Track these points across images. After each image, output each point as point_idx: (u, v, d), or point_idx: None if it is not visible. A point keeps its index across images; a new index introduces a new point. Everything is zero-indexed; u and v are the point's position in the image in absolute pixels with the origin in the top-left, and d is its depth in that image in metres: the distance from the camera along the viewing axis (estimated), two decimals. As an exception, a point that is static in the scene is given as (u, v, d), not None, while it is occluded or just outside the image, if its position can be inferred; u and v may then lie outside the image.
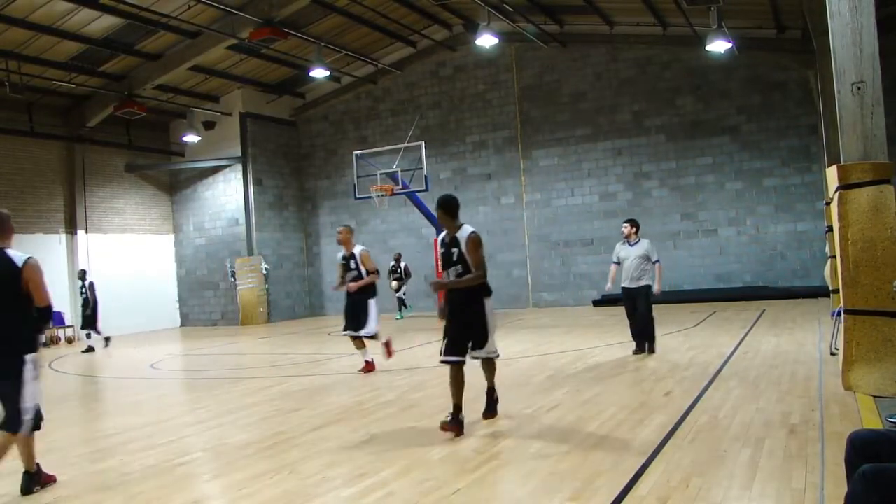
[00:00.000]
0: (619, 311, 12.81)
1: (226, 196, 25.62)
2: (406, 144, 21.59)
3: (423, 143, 21.28)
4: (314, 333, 19.88)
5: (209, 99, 25.17)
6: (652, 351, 11.18)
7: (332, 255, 26.26)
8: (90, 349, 18.64)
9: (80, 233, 23.47)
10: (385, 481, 5.40)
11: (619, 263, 11.35)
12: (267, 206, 25.66)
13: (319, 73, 21.86)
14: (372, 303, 11.05)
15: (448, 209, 7.09)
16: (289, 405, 9.06)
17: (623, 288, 11.29)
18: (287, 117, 26.87)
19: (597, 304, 21.39)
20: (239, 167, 25.29)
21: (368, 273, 10.92)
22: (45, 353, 18.81)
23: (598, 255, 21.47)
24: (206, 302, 26.05)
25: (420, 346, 14.89)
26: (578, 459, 5.68)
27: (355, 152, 22.34)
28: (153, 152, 25.98)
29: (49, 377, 14.36)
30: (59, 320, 22.45)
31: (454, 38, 23.93)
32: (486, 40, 20.32)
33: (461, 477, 5.40)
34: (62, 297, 22.40)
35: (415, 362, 12.40)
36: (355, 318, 11.03)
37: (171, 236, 26.65)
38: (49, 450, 7.17)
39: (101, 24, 19.18)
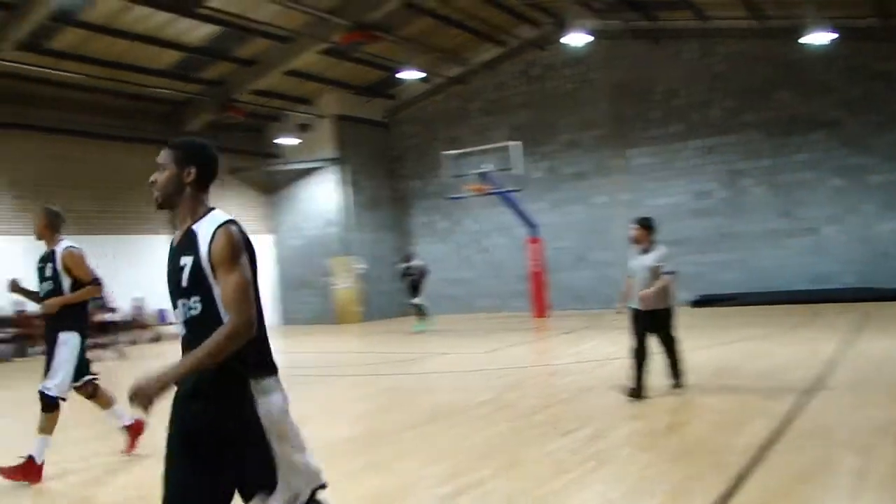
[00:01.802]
0: (715, 313, 12.46)
1: (322, 197, 26.05)
2: (497, 145, 21.58)
3: (519, 143, 21.20)
4: (408, 333, 20.05)
5: (303, 102, 25.65)
6: (679, 385, 8.43)
7: (428, 255, 26.45)
8: None
9: (182, 233, 24.17)
10: (480, 481, 5.41)
11: (632, 277, 8.60)
12: (362, 207, 26.00)
13: (410, 74, 22.05)
14: (67, 339, 6.54)
15: None
16: (385, 403, 9.18)
17: (631, 309, 8.41)
18: (379, 119, 27.17)
19: (696, 304, 20.90)
20: (334, 169, 25.68)
21: (75, 285, 6.58)
22: (150, 350, 19.53)
23: (692, 256, 20.97)
24: (303, 301, 26.54)
25: (514, 345, 14.86)
26: (674, 463, 5.59)
27: (446, 153, 22.45)
28: (250, 155, 26.62)
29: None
30: (165, 317, 23.30)
31: (543, 36, 23.78)
32: (576, 38, 20.13)
33: (556, 478, 5.38)
34: (167, 296, 23.27)
35: (510, 362, 12.39)
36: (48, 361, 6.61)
37: (270, 236, 27.26)
38: (150, 442, 7.45)
39: (199, 32, 19.83)
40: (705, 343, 12.83)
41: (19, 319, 19.91)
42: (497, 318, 22.11)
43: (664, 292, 8.21)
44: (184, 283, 3.09)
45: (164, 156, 3.23)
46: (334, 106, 25.55)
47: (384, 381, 11.26)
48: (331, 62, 23.10)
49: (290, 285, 26.91)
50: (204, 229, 3.09)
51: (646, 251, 8.35)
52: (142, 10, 18.06)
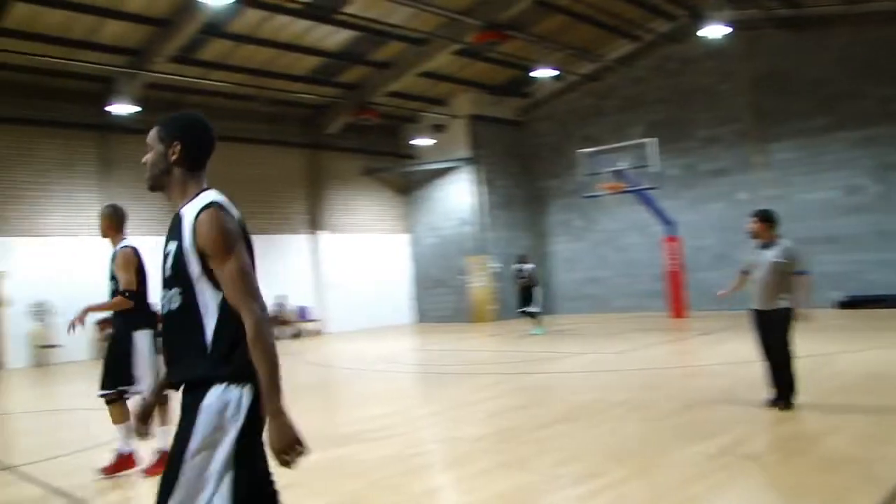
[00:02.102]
0: (865, 315, 11.80)
1: (456, 197, 26.29)
2: (634, 142, 21.21)
3: (655, 139, 20.78)
4: (545, 331, 19.97)
5: (438, 103, 25.96)
6: (788, 406, 7.47)
7: (562, 254, 26.35)
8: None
9: (323, 233, 25.10)
10: (616, 482, 5.34)
11: (747, 273, 7.90)
12: (496, 206, 26.08)
13: (543, 73, 21.97)
14: (138, 338, 6.51)
15: None
16: (519, 401, 9.19)
17: (751, 311, 7.83)
18: (513, 118, 27.18)
19: (844, 306, 19.88)
20: (468, 168, 25.88)
21: (116, 292, 6.55)
22: (292, 345, 20.22)
23: (843, 255, 19.94)
24: (438, 299, 26.87)
25: (650, 346, 14.59)
26: (821, 473, 5.34)
27: (581, 151, 22.23)
28: (387, 156, 27.19)
29: (295, 367, 15.46)
30: (305, 314, 24.17)
31: (679, 29, 23.13)
32: (714, 30, 19.52)
33: (695, 483, 5.23)
34: (306, 293, 24.27)
35: (646, 363, 12.18)
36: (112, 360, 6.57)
37: (406, 236, 27.75)
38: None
39: (336, 38, 20.42)
40: (856, 347, 12.22)
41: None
42: (633, 318, 21.73)
43: (780, 290, 7.51)
44: (167, 271, 2.79)
45: (151, 134, 2.94)
46: (468, 106, 25.73)
47: (518, 380, 11.27)
48: (464, 62, 23.29)
49: (425, 284, 27.29)
50: (189, 213, 2.78)
51: (766, 246, 7.65)
52: (282, 19, 18.80)
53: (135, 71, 19.00)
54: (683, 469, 5.59)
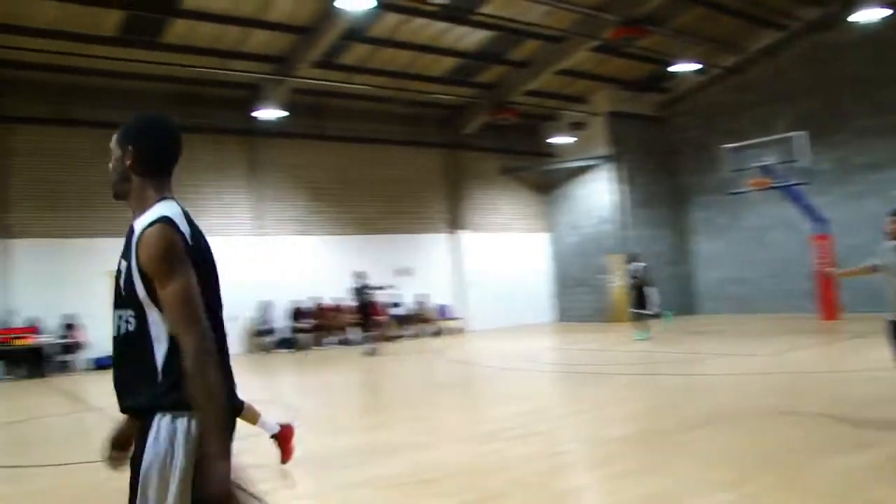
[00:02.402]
0: None
1: (596, 195, 26.00)
2: (781, 135, 20.38)
3: (804, 132, 19.88)
4: (687, 332, 19.54)
5: (576, 100, 25.75)
6: None
7: (704, 252, 25.63)
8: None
9: (463, 232, 25.36)
10: (762, 490, 5.16)
11: (876, 270, 6.90)
12: (637, 204, 25.63)
13: (683, 67, 21.41)
14: None
15: None
16: (661, 403, 9.03)
17: (888, 322, 6.75)
18: (653, 114, 26.64)
19: None
20: (608, 166, 25.55)
21: None
22: (432, 343, 20.55)
23: None
24: (578, 298, 26.66)
25: (799, 349, 14.04)
26: None
27: (725, 146, 21.54)
28: (525, 155, 27.19)
29: (436, 365, 15.75)
30: (444, 312, 24.49)
31: (829, 15, 21.96)
32: (869, 14, 18.49)
33: (851, 496, 5.00)
34: (447, 292, 24.65)
35: (795, 366, 11.73)
36: None
37: (546, 234, 27.68)
38: (439, 429, 7.91)
39: (473, 38, 20.58)
40: None
41: (318, 312, 21.78)
42: (780, 320, 20.89)
43: None
44: (121, 292, 2.52)
45: (113, 138, 2.66)
46: (606, 103, 25.42)
47: (660, 381, 11.07)
48: (601, 59, 23.01)
49: (565, 283, 27.14)
50: (138, 228, 2.51)
51: None
52: (420, 22, 19.13)
53: (280, 77, 19.77)
54: (836, 480, 5.34)
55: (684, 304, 25.99)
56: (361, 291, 18.37)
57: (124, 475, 2.50)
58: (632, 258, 19.19)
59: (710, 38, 21.74)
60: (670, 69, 22.53)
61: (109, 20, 16.82)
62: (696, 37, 21.32)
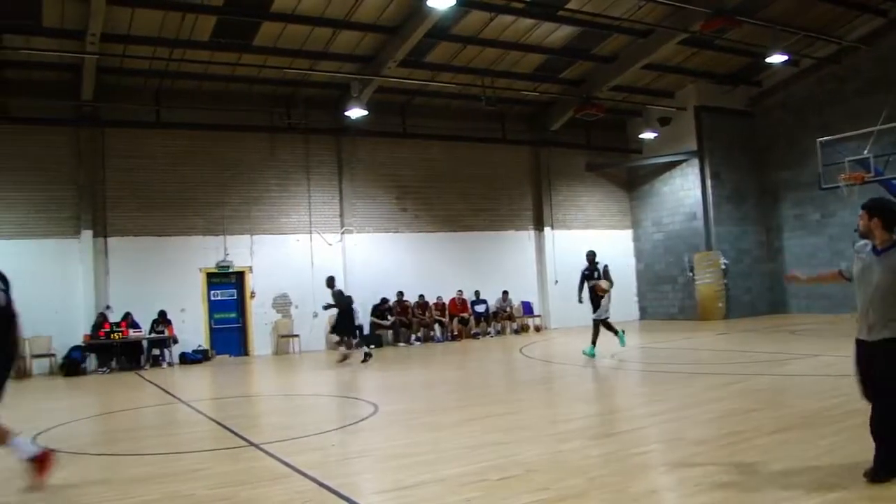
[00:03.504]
0: None
1: (683, 191, 25.56)
2: (878, 127, 19.60)
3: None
4: (775, 331, 19.02)
5: (663, 95, 25.34)
6: (878, 477, 5.17)
7: (795, 249, 24.88)
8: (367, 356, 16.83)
9: (547, 229, 25.25)
10: (853, 499, 4.99)
11: (848, 279, 5.88)
12: (724, 200, 25.07)
13: (776, 58, 20.79)
14: None
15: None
16: (748, 404, 8.80)
17: (856, 341, 5.51)
18: (743, 108, 25.96)
19: None
20: (695, 161, 25.07)
21: None
22: (515, 340, 20.52)
23: None
24: (663, 296, 26.27)
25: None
26: None
27: (819, 139, 20.83)
28: (611, 151, 26.90)
29: (519, 362, 15.72)
30: (528, 310, 24.45)
31: (936, -1, 21.04)
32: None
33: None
34: (531, 289, 24.63)
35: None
36: None
37: (630, 231, 27.34)
38: (520, 427, 7.91)
39: (559, 34, 20.45)
40: None
41: (402, 309, 21.99)
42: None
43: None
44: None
45: None
46: (694, 97, 24.94)
47: (747, 382, 10.79)
48: (690, 52, 22.57)
49: (650, 280, 26.78)
50: None
51: (881, 251, 5.35)
52: (506, 19, 19.09)
53: (368, 77, 20.00)
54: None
55: (773, 302, 25.35)
56: (339, 297, 17.16)
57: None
58: (590, 256, 16.91)
59: (804, 28, 20.99)
60: (763, 61, 21.89)
61: (205, 25, 17.33)
62: (790, 26, 20.61)
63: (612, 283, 16.16)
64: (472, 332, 22.66)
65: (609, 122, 25.96)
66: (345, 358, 16.59)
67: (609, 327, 15.64)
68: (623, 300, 26.61)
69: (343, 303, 17.07)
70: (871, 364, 5.32)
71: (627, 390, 11.36)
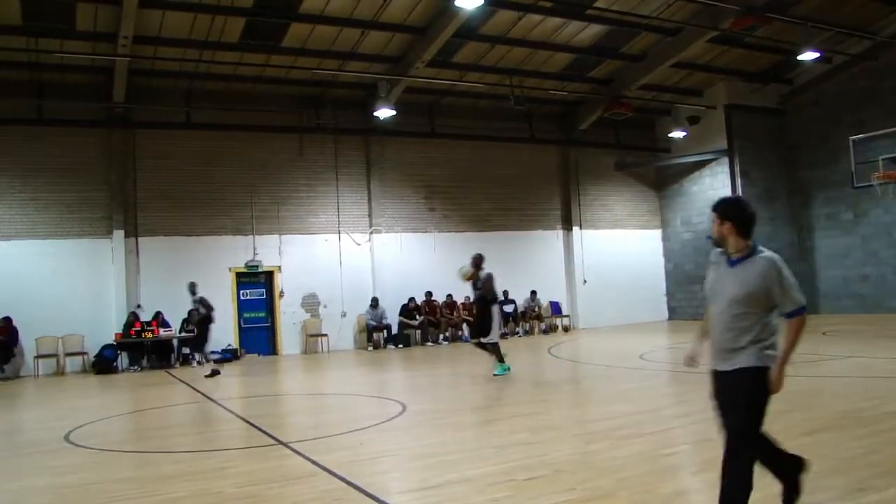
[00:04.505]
0: None
1: (712, 190, 25.31)
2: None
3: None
4: (806, 332, 18.63)
5: (692, 94, 25.14)
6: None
7: (827, 249, 24.59)
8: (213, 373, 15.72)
9: (576, 228, 25.17)
10: (887, 500, 4.94)
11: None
12: (755, 199, 24.68)
13: (808, 55, 20.52)
14: None
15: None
16: (779, 405, 8.61)
17: (711, 371, 4.68)
18: (773, 106, 25.69)
19: None
20: (725, 160, 24.85)
21: None
22: (544, 340, 20.48)
23: None
24: (693, 296, 26.05)
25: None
26: None
27: (852, 138, 20.56)
28: (640, 150, 26.74)
29: (547, 362, 15.68)
30: (556, 309, 24.38)
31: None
32: None
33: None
34: (559, 289, 24.58)
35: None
36: None
37: (659, 231, 27.17)
38: (547, 427, 7.89)
39: (587, 33, 20.35)
40: None
41: (430, 308, 22.01)
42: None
43: (749, 336, 4.55)
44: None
45: None
46: (724, 95, 24.72)
47: (779, 383, 10.67)
48: (720, 50, 22.37)
49: (678, 280, 26.59)
50: None
51: (738, 260, 4.42)
52: (534, 18, 19.03)
53: (396, 77, 20.04)
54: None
55: (807, 301, 24.98)
56: (201, 303, 16.10)
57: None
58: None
59: (837, 24, 20.67)
60: (794, 58, 21.65)
61: (235, 27, 17.46)
62: (822, 23, 20.32)
63: (494, 296, 13.70)
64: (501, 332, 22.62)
65: (638, 122, 25.79)
66: (214, 373, 15.53)
67: (497, 352, 13.31)
68: (652, 300, 26.56)
69: (209, 311, 16.08)
70: (722, 394, 4.69)
71: (655, 391, 11.29)
